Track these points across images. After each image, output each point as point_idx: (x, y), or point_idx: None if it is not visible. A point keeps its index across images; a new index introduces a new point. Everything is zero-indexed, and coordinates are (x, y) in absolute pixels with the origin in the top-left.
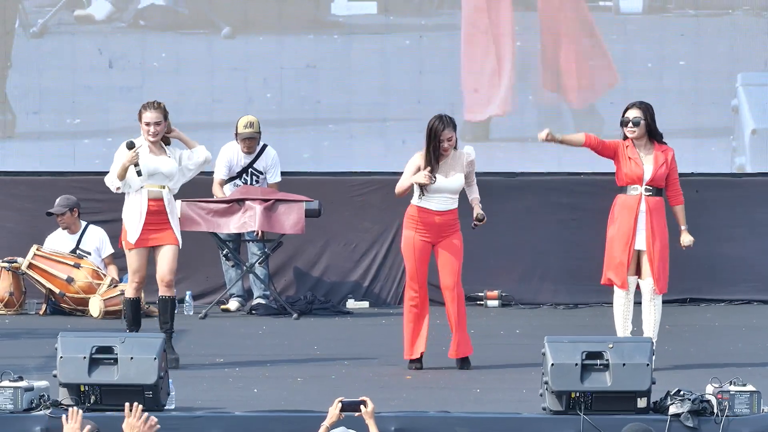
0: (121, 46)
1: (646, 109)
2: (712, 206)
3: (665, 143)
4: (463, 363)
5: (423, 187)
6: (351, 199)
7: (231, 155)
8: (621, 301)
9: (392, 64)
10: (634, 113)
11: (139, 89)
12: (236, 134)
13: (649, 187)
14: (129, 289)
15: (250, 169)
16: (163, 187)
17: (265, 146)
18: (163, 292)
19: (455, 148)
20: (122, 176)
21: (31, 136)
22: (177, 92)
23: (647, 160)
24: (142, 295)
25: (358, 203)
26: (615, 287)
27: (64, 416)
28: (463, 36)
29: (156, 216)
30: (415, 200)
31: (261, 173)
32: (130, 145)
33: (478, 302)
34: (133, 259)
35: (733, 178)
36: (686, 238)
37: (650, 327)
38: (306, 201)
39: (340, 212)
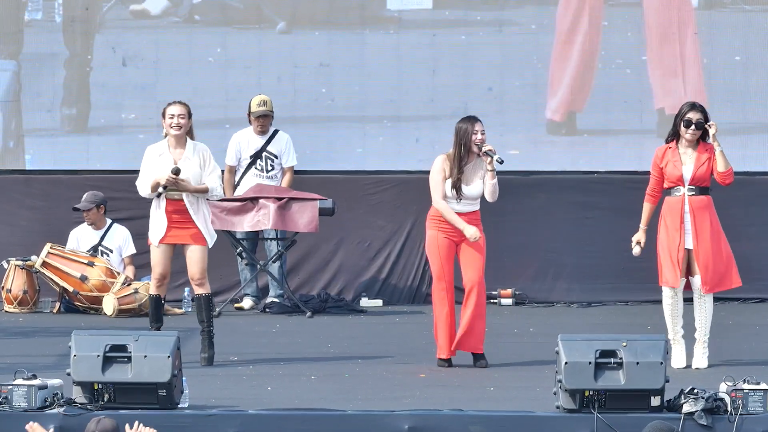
0: (134, 44)
1: (704, 111)
2: (726, 205)
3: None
4: (478, 359)
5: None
6: (365, 197)
7: (240, 140)
8: (669, 300)
9: (406, 61)
10: (697, 115)
11: (153, 86)
12: (249, 114)
13: (691, 187)
14: (151, 285)
15: (263, 153)
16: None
17: (276, 131)
18: (195, 291)
19: (479, 155)
20: (154, 190)
21: (45, 134)
22: (191, 89)
23: (689, 161)
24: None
25: (371, 201)
26: (663, 287)
27: None
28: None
29: (178, 215)
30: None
31: (275, 156)
32: (176, 171)
33: (492, 300)
34: (153, 256)
35: (747, 176)
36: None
37: (701, 325)
38: (320, 199)
39: (353, 210)
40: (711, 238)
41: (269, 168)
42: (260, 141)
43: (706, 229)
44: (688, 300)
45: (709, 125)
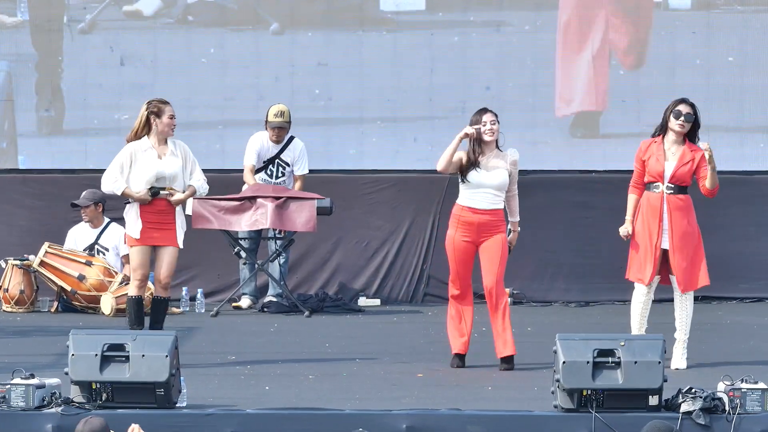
0: (132, 44)
1: (695, 107)
2: (724, 204)
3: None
4: (505, 362)
5: (471, 146)
6: (362, 196)
7: (260, 143)
8: (641, 298)
9: (403, 61)
10: (687, 109)
11: (151, 87)
12: (266, 123)
13: (670, 185)
14: (132, 286)
15: (276, 160)
16: (168, 188)
17: (292, 138)
18: (158, 292)
19: (498, 147)
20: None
21: (39, 135)
22: (188, 89)
23: (672, 158)
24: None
25: (369, 201)
26: (636, 284)
27: None
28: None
29: (160, 215)
30: (460, 199)
31: (287, 165)
32: (155, 193)
33: None
34: (135, 256)
35: (744, 176)
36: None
37: (681, 324)
38: (317, 199)
39: (351, 210)
40: (686, 240)
41: (279, 174)
42: (275, 149)
43: (681, 231)
44: (657, 301)
45: (704, 147)
